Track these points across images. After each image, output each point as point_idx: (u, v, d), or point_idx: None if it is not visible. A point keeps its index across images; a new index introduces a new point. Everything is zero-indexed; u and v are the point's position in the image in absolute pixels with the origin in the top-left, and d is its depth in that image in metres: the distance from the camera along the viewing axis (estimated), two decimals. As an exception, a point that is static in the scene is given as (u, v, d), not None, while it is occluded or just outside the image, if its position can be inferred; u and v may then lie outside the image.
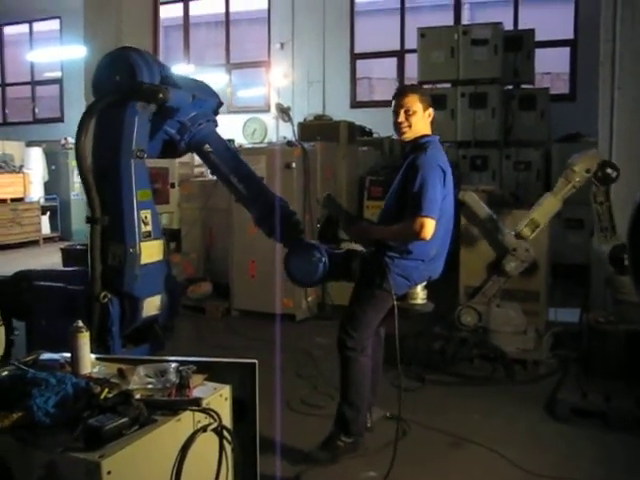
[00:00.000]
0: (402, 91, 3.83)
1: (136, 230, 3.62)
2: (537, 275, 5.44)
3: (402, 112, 3.70)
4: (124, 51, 3.80)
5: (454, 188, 3.85)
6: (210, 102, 4.04)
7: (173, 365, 2.32)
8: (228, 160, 3.95)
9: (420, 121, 3.73)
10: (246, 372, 2.49)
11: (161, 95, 3.54)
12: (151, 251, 3.73)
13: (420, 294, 3.94)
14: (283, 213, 3.83)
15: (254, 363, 2.47)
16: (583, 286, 6.11)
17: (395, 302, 3.59)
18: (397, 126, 3.75)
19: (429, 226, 3.48)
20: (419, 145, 3.70)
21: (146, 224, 3.69)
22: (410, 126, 3.71)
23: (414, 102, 3.70)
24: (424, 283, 3.91)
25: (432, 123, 3.84)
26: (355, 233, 3.75)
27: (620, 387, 4.39)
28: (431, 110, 3.78)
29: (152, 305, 3.77)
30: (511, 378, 5.01)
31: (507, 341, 5.22)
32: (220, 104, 4.16)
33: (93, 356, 2.51)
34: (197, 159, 9.18)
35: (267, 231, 3.89)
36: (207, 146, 3.89)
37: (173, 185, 6.98)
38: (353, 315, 3.79)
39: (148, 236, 3.70)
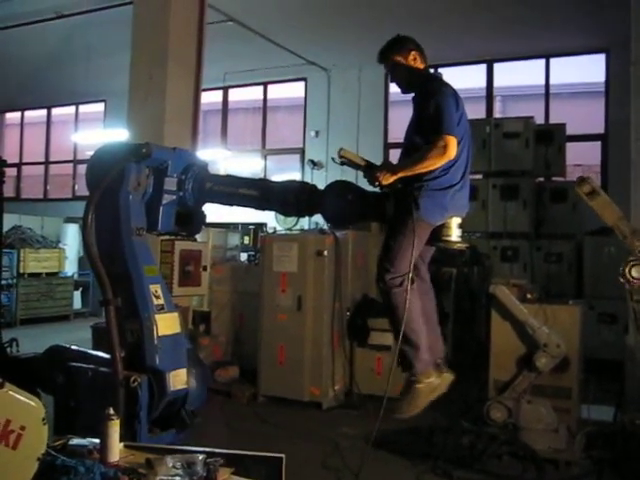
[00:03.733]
0: (379, 57, 3.97)
1: (148, 303, 3.74)
2: (569, 371, 5.33)
3: (391, 71, 3.90)
4: (106, 145, 4.13)
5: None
6: (194, 156, 4.31)
7: (201, 457, 2.32)
8: (231, 182, 4.20)
9: (411, 65, 3.86)
10: (273, 466, 2.48)
11: (144, 149, 3.79)
12: (167, 323, 3.84)
13: (455, 231, 3.75)
14: (296, 189, 3.90)
15: (281, 458, 2.46)
16: (617, 383, 5.97)
17: (416, 224, 3.52)
18: (396, 83, 3.94)
19: (452, 143, 3.47)
20: (424, 80, 3.79)
21: (158, 297, 3.84)
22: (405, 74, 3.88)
23: (393, 61, 3.88)
24: (458, 220, 3.77)
25: (421, 55, 3.91)
26: (380, 171, 3.63)
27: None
28: (413, 53, 3.87)
29: (179, 379, 3.80)
30: (542, 478, 4.84)
31: (538, 439, 5.08)
32: (205, 162, 4.42)
33: (121, 444, 2.51)
34: (230, 242, 9.37)
35: (295, 213, 3.97)
36: (208, 184, 4.09)
37: (205, 268, 7.07)
38: (388, 248, 3.70)
39: (162, 309, 3.82)
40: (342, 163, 3.77)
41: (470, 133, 3.83)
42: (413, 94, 3.92)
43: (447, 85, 3.75)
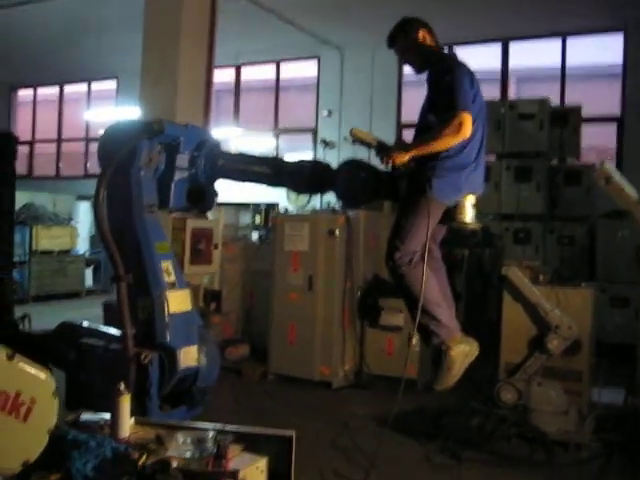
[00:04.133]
0: (388, 40, 3.91)
1: (160, 280, 3.75)
2: (580, 354, 5.30)
3: (402, 54, 3.85)
4: (123, 121, 4.12)
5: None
6: (207, 133, 4.28)
7: (211, 434, 2.33)
8: (242, 159, 4.23)
9: (422, 44, 3.81)
10: (283, 444, 2.48)
11: (156, 126, 3.77)
12: (178, 300, 3.85)
13: (469, 211, 3.71)
14: (310, 167, 3.91)
15: (291, 435, 2.46)
16: (628, 366, 5.95)
17: (430, 203, 3.48)
18: (409, 63, 3.89)
19: (467, 121, 3.42)
20: (437, 58, 3.76)
21: (169, 274, 3.86)
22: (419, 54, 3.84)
23: (403, 42, 3.83)
24: (472, 201, 3.73)
25: (430, 33, 3.86)
26: (393, 150, 3.59)
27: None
28: (421, 31, 3.81)
29: (189, 356, 3.82)
30: (551, 460, 4.85)
31: (548, 421, 5.07)
32: (217, 140, 4.43)
33: (132, 419, 2.52)
34: (242, 221, 9.37)
35: (307, 191, 4.01)
36: (220, 161, 4.09)
37: (217, 246, 7.07)
38: (399, 227, 3.68)
39: (173, 286, 3.83)
40: (354, 142, 3.73)
41: (485, 112, 3.78)
42: (427, 74, 3.87)
43: (461, 63, 3.70)
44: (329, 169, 3.88)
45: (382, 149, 3.64)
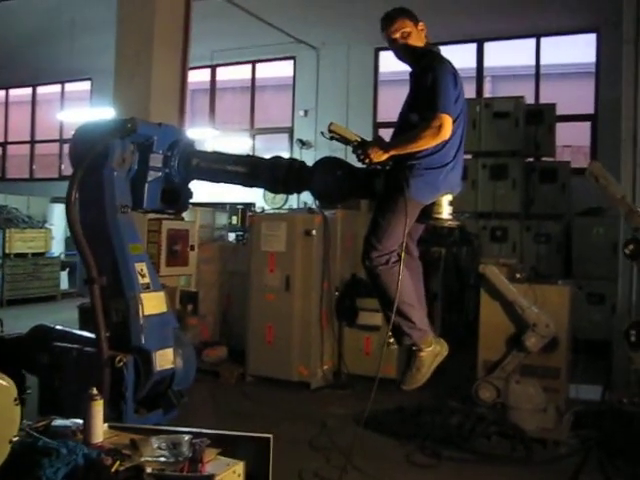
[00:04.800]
0: (391, 16, 3.80)
1: (134, 282, 3.69)
2: (558, 351, 5.33)
3: (398, 37, 3.73)
4: (95, 121, 4.06)
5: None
6: (181, 132, 4.22)
7: (186, 437, 2.28)
8: (216, 158, 4.13)
9: (417, 37, 3.74)
10: (260, 447, 2.44)
11: (129, 125, 3.72)
12: (153, 302, 3.79)
13: (446, 208, 3.67)
14: (285, 166, 3.86)
15: (269, 438, 2.42)
16: (605, 363, 5.99)
17: (408, 202, 3.45)
18: (398, 49, 3.76)
19: (447, 123, 3.39)
20: (423, 53, 3.70)
21: (143, 276, 3.79)
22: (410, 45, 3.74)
23: (405, 23, 3.73)
24: (449, 198, 3.69)
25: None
26: (371, 149, 3.52)
27: (644, 472, 4.24)
28: (421, 24, 3.78)
29: (165, 358, 3.76)
30: (530, 458, 4.86)
31: (526, 419, 5.09)
32: (191, 140, 4.33)
33: (106, 425, 2.47)
34: (218, 222, 9.30)
35: (284, 190, 3.93)
36: (194, 160, 4.03)
37: (193, 247, 7.01)
38: (376, 225, 3.63)
39: (147, 288, 3.77)
40: (332, 138, 3.66)
41: (466, 111, 3.76)
42: (411, 70, 3.84)
43: (446, 62, 3.66)
44: (305, 167, 3.84)
45: (360, 146, 3.59)
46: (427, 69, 3.57)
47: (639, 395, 4.83)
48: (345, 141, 3.62)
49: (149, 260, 3.93)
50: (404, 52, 3.76)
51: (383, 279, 3.61)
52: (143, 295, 3.70)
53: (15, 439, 2.06)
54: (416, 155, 3.53)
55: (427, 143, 3.46)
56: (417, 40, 3.75)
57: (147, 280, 3.77)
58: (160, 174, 4.01)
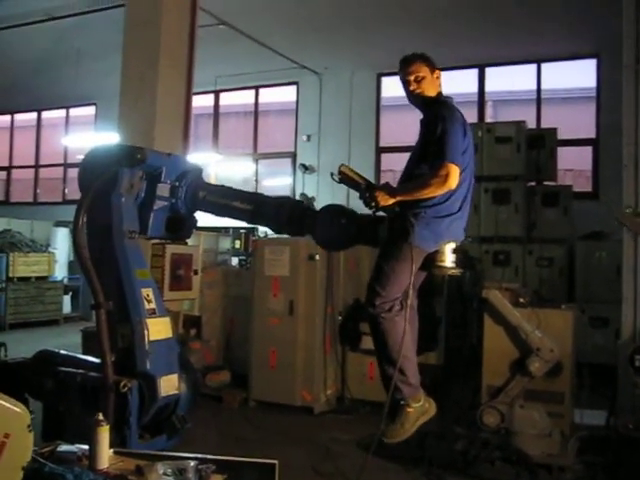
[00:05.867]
0: (408, 59, 3.85)
1: (140, 307, 3.70)
2: (562, 375, 5.31)
3: (412, 79, 3.77)
4: (106, 145, 4.07)
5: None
6: (189, 163, 4.25)
7: (192, 464, 2.28)
8: (224, 193, 4.10)
9: (431, 84, 3.78)
10: (266, 473, 2.44)
11: (139, 155, 3.74)
12: (158, 328, 3.80)
13: (449, 256, 3.71)
14: (291, 206, 3.86)
15: (274, 464, 2.43)
16: (609, 387, 5.96)
17: (413, 251, 3.48)
18: (410, 93, 3.81)
19: (454, 173, 3.42)
20: (436, 102, 3.74)
21: (149, 301, 3.81)
22: (423, 91, 3.78)
23: (421, 67, 3.77)
24: (452, 245, 3.73)
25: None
26: (378, 194, 3.57)
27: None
28: (438, 71, 3.83)
29: (170, 384, 3.76)
30: (535, 483, 4.83)
31: (531, 444, 5.06)
32: (200, 168, 4.33)
33: (111, 450, 2.47)
34: (221, 246, 9.33)
35: (288, 231, 3.93)
36: (201, 193, 4.05)
37: (196, 272, 7.02)
38: (380, 273, 3.65)
39: (153, 313, 3.79)
40: (340, 180, 3.72)
41: (474, 161, 3.81)
42: (423, 114, 3.89)
43: (457, 111, 3.71)
44: (309, 212, 3.86)
45: (368, 189, 3.64)
46: (437, 118, 3.61)
47: (645, 420, 4.81)
48: (353, 184, 3.68)
49: (155, 285, 3.94)
50: (415, 98, 3.81)
51: (385, 328, 3.63)
52: (149, 320, 3.71)
53: (27, 465, 2.07)
54: (422, 203, 3.59)
55: (434, 192, 3.53)
56: (430, 87, 3.81)
57: (153, 306, 3.79)
58: (166, 203, 4.03)
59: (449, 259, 3.72)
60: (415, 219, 3.56)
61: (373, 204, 3.57)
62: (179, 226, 4.20)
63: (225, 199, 4.04)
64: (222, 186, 4.23)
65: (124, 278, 3.78)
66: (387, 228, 3.66)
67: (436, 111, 3.68)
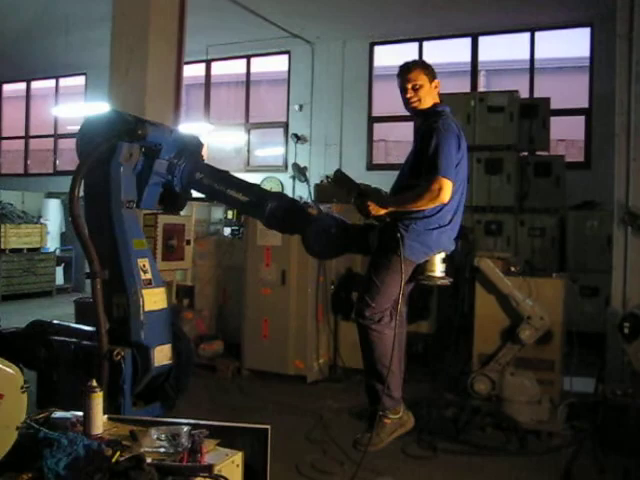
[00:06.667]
0: (407, 67, 3.83)
1: (136, 278, 3.69)
2: (552, 343, 5.37)
3: (409, 87, 3.75)
4: (100, 113, 4.00)
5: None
6: (190, 138, 4.16)
7: (185, 429, 2.31)
8: (221, 178, 4.05)
9: (428, 93, 3.77)
10: (258, 438, 2.47)
11: (140, 131, 3.68)
12: (154, 298, 3.79)
13: (439, 266, 3.76)
14: (285, 204, 3.85)
15: (267, 429, 2.45)
16: (598, 355, 6.03)
17: (402, 266, 3.51)
18: (407, 102, 3.80)
19: (447, 187, 3.44)
20: (432, 114, 3.73)
21: (145, 272, 3.79)
22: (420, 100, 3.76)
23: (419, 76, 3.75)
24: (442, 255, 3.77)
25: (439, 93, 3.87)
26: (370, 204, 3.62)
27: (638, 463, 4.27)
28: (437, 81, 3.82)
29: (163, 354, 3.78)
30: (525, 449, 4.91)
31: (521, 411, 5.13)
32: (200, 144, 4.25)
33: (105, 416, 2.49)
34: (214, 216, 9.32)
35: (278, 228, 3.93)
36: (198, 174, 4.01)
37: (189, 242, 7.03)
38: (370, 284, 3.69)
39: (149, 284, 3.77)
40: (335, 182, 3.81)
41: (467, 173, 3.81)
42: (419, 123, 3.87)
43: (452, 123, 3.69)
44: (303, 213, 3.84)
45: (361, 198, 3.68)
46: (432, 131, 3.60)
47: (632, 387, 4.88)
48: (347, 189, 3.75)
49: (152, 256, 3.92)
50: (411, 109, 3.79)
51: (373, 339, 3.67)
52: (145, 291, 3.70)
53: (22, 425, 2.10)
54: (412, 215, 3.61)
55: (425, 205, 3.55)
56: (428, 95, 3.78)
57: (149, 276, 3.78)
58: (162, 179, 3.99)
59: (439, 269, 3.78)
60: (405, 231, 3.59)
61: (364, 213, 3.63)
62: (173, 200, 4.17)
63: (221, 185, 3.97)
64: (220, 171, 4.14)
65: (121, 248, 3.74)
66: (377, 238, 3.68)
67: (431, 123, 3.67)
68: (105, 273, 3.55)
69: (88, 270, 3.56)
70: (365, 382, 3.76)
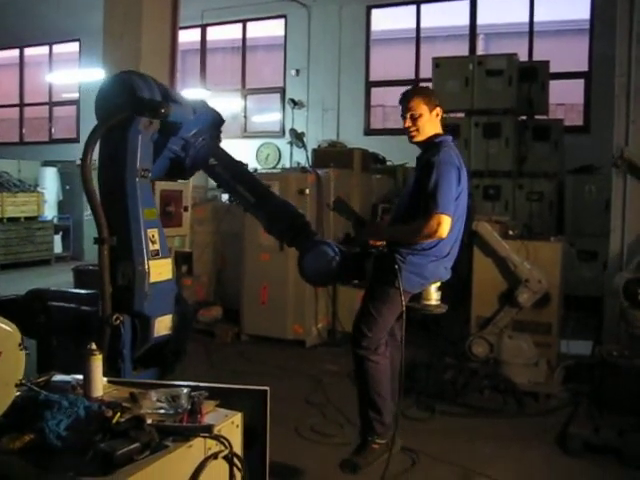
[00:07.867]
0: (406, 96, 3.78)
1: (144, 248, 3.64)
2: (549, 307, 5.41)
3: (408, 117, 3.71)
4: (125, 74, 3.86)
5: (468, 213, 3.87)
6: (212, 118, 4.07)
7: (185, 390, 2.32)
8: (234, 171, 3.97)
9: (428, 123, 3.71)
10: (257, 399, 2.48)
11: (163, 110, 3.58)
12: (160, 270, 3.74)
13: (434, 295, 3.79)
14: (291, 215, 3.83)
15: (266, 390, 2.46)
16: (596, 318, 6.06)
17: (403, 300, 3.54)
18: (406, 130, 3.76)
19: (445, 223, 3.44)
20: (432, 145, 3.70)
21: (154, 242, 3.72)
22: (418, 130, 3.71)
23: (419, 105, 3.69)
24: (438, 284, 3.80)
25: (443, 120, 3.83)
26: (368, 235, 3.72)
27: (634, 423, 4.32)
28: (438, 109, 3.76)
29: (163, 325, 3.76)
30: (522, 411, 4.96)
31: (518, 373, 5.18)
32: (222, 121, 4.16)
33: (105, 379, 2.50)
34: (211, 183, 9.28)
35: (277, 236, 3.91)
36: (212, 160, 3.93)
37: (186, 208, 6.99)
38: (367, 314, 3.71)
39: (156, 255, 3.72)
40: (335, 209, 3.87)
41: (466, 204, 3.79)
42: (420, 153, 3.81)
43: (453, 156, 3.63)
44: (306, 230, 3.81)
45: (360, 227, 3.73)
46: (431, 166, 3.55)
47: (628, 348, 4.91)
48: (346, 216, 3.80)
49: (161, 226, 3.85)
50: (416, 131, 3.71)
51: (368, 368, 3.68)
52: (151, 262, 3.66)
53: (21, 382, 2.10)
54: (410, 247, 3.60)
55: (423, 239, 3.55)
56: (428, 125, 3.72)
57: (157, 247, 3.71)
58: (173, 155, 3.92)
59: (434, 298, 3.79)
60: (403, 262, 3.59)
61: (362, 240, 3.70)
62: (178, 172, 4.10)
63: (233, 179, 3.89)
64: (236, 164, 4.04)
65: (131, 216, 3.65)
66: (374, 266, 3.68)
67: (430, 156, 3.61)
68: (113, 240, 3.52)
69: (96, 235, 3.52)
70: (359, 408, 3.80)
